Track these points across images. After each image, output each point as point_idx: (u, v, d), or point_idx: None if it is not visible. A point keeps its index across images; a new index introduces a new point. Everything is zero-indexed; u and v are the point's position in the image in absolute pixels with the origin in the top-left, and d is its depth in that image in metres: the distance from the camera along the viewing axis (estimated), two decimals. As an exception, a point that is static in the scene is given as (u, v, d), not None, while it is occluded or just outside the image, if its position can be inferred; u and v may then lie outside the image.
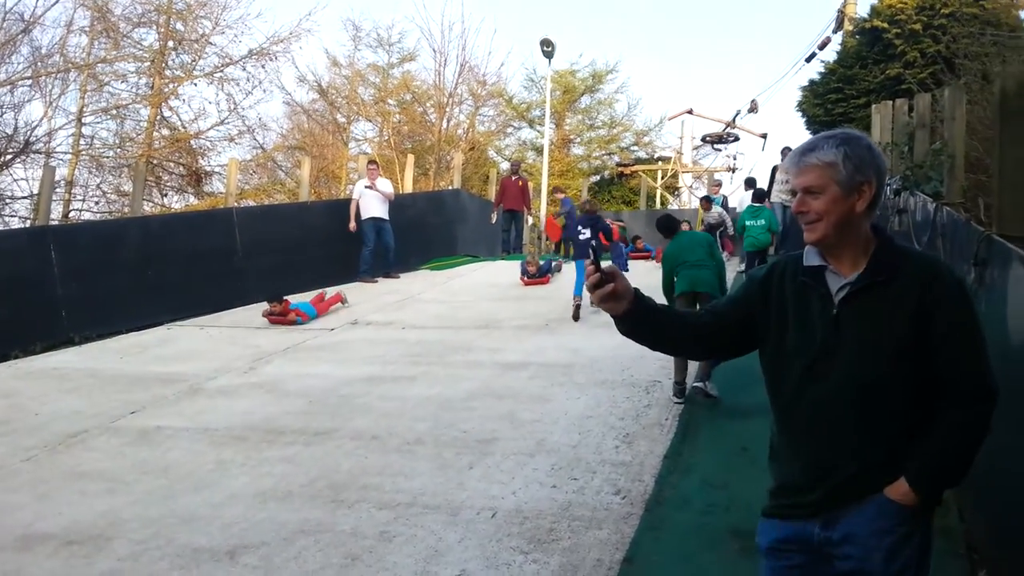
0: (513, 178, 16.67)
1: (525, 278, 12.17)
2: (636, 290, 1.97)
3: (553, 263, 12.84)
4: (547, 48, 22.36)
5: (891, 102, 9.51)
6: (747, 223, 11.47)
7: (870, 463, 1.86)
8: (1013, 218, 3.62)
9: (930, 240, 5.23)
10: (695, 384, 6.17)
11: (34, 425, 6.15)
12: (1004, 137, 3.64)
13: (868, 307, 1.86)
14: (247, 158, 22.36)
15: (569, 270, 11.61)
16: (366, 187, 12.76)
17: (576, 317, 9.30)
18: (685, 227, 8.34)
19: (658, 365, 6.79)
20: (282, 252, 12.32)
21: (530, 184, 18.08)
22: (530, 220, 18.17)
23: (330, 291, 10.95)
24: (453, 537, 4.01)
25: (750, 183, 13.94)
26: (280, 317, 9.77)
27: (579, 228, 10.77)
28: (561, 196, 16.98)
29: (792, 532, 1.96)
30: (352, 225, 12.63)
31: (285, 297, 9.99)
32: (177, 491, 4.80)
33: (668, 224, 7.03)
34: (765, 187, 12.83)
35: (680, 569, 3.70)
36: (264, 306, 10.08)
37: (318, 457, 5.24)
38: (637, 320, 1.99)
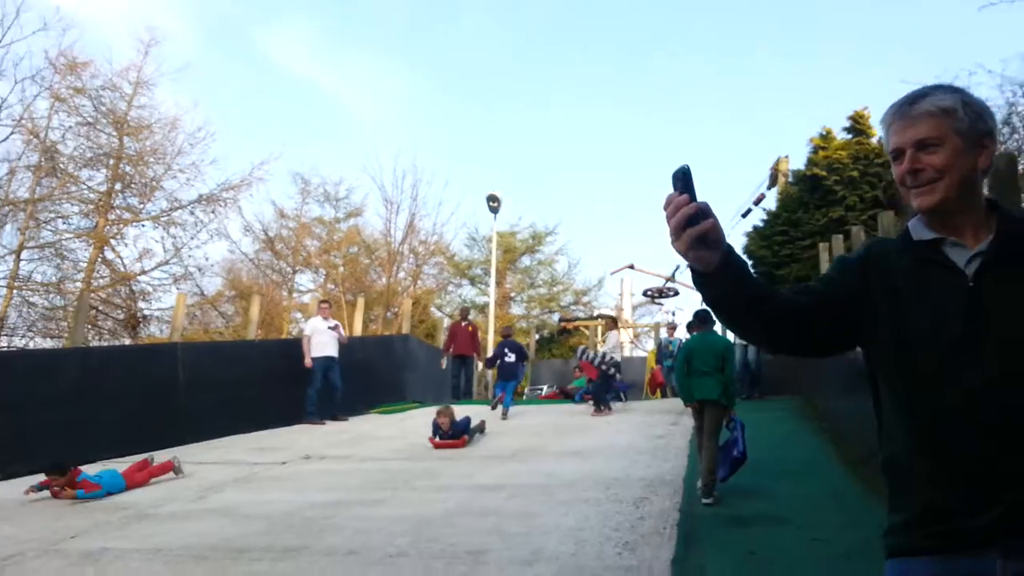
0: (463, 323, 16.65)
1: (436, 439, 9.46)
2: (729, 244, 1.54)
3: (472, 423, 10.03)
4: (493, 204, 23.16)
5: (840, 235, 10.02)
6: None
7: None
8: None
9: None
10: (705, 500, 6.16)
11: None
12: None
13: (1011, 279, 1.52)
14: (188, 303, 21.93)
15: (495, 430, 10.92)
16: (330, 327, 12.64)
17: (504, 416, 11.67)
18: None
19: (643, 483, 6.55)
20: (226, 390, 11.78)
21: (479, 331, 18.09)
22: (479, 366, 18.00)
23: (159, 457, 8.39)
24: (461, 640, 3.60)
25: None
26: (61, 491, 7.14)
27: (505, 351, 12.30)
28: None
29: (960, 570, 1.49)
30: (308, 361, 12.33)
31: (76, 467, 7.41)
32: (133, 608, 4.25)
33: (704, 316, 7.43)
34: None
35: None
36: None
37: (288, 574, 4.75)
38: (731, 280, 1.53)
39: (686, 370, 6.96)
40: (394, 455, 9.15)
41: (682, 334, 14.26)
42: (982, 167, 1.59)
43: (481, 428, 10.43)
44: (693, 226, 1.45)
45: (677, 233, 1.47)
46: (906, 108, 1.60)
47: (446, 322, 28.10)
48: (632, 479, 6.91)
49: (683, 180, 1.47)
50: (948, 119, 1.55)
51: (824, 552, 4.89)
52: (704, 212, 1.45)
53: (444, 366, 16.44)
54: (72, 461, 8.26)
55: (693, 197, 1.45)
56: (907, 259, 1.63)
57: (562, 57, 60.89)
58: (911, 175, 1.59)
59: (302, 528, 5.78)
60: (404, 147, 61.06)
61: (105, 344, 18.88)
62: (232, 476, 8.13)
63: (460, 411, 10.27)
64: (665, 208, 1.48)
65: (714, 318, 7.89)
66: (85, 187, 20.02)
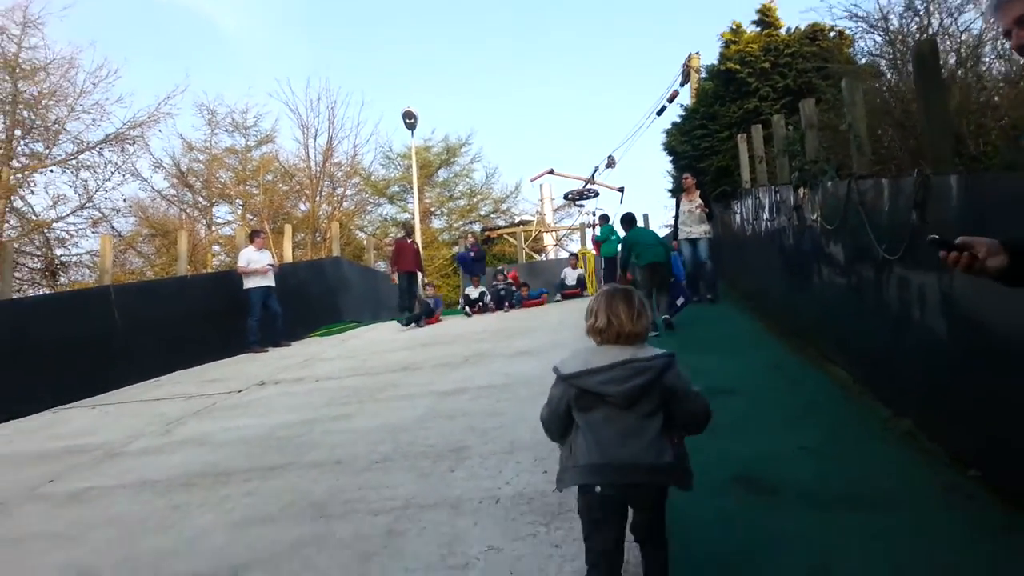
0: (408, 240, 16.67)
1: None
2: (1002, 240, 1.82)
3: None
4: (409, 120, 22.81)
5: (759, 124, 10.41)
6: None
7: None
8: (941, 157, 4.04)
9: (845, 215, 5.66)
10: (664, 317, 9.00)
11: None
12: (927, 89, 4.10)
13: None
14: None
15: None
16: (269, 264, 12.79)
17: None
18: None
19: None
20: (164, 329, 11.69)
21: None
22: (425, 281, 18.18)
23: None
24: (465, 524, 3.90)
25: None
26: None
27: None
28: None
29: None
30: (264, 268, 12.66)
31: None
32: (137, 535, 4.41)
33: (631, 217, 10.29)
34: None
35: (710, 504, 3.72)
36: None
37: (283, 488, 4.95)
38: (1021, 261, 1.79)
39: (630, 253, 9.68)
40: (349, 372, 9.33)
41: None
42: None
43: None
44: (976, 263, 1.80)
45: (971, 271, 1.82)
46: None
47: (388, 238, 28.19)
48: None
49: (939, 244, 1.85)
50: None
51: (774, 415, 5.37)
52: (966, 245, 1.80)
53: (395, 280, 16.58)
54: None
55: (954, 248, 1.82)
56: None
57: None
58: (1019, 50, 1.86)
59: (281, 447, 5.97)
60: (315, 71, 59.27)
61: (31, 295, 18.21)
62: (190, 408, 8.20)
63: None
64: (952, 265, 1.85)
65: (635, 219, 10.26)
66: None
